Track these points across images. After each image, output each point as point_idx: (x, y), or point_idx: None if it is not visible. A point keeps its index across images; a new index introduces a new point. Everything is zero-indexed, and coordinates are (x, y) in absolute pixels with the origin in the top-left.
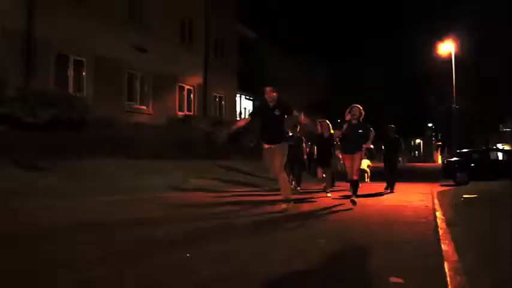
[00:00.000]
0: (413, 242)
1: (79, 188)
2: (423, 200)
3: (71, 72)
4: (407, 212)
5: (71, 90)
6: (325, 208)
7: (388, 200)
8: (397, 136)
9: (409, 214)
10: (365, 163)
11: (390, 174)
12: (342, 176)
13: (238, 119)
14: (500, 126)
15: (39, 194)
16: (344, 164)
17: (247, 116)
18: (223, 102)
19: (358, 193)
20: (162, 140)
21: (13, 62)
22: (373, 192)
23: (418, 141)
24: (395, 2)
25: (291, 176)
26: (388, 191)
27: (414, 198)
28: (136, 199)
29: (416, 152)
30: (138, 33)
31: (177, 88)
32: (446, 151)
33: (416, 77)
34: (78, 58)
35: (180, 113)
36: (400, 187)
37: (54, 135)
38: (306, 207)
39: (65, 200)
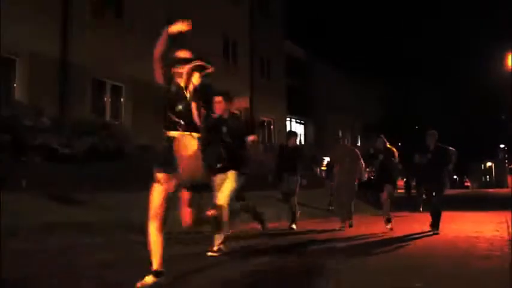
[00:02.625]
0: (488, 277)
1: (117, 222)
2: (497, 230)
3: (108, 99)
4: (479, 244)
5: (108, 117)
6: (383, 241)
7: (456, 230)
8: (441, 145)
9: (482, 246)
10: None
11: (433, 203)
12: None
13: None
14: None
15: (75, 229)
16: None
17: None
18: (272, 127)
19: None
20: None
21: (47, 90)
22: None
23: (489, 164)
24: (460, 13)
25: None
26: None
27: (486, 228)
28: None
29: (488, 176)
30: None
31: None
32: None
33: (484, 93)
34: (116, 83)
35: None
36: (470, 216)
37: (91, 166)
38: (365, 241)
39: (100, 236)
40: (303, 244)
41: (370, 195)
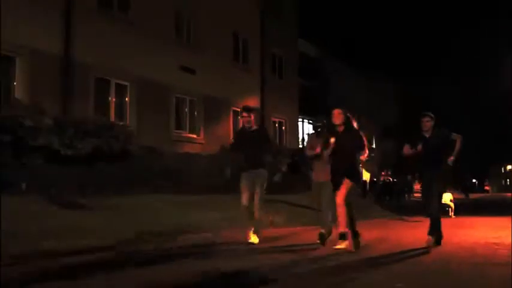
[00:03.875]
0: (508, 285)
1: (120, 227)
2: None
3: (112, 98)
4: (499, 250)
5: (112, 117)
6: (399, 247)
7: (476, 236)
8: (445, 131)
9: (502, 252)
10: (448, 197)
11: (433, 208)
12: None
13: (300, 146)
14: None
15: (77, 235)
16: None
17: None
18: (283, 128)
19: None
20: (215, 172)
21: (49, 88)
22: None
23: (509, 167)
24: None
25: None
26: (432, 242)
27: (506, 233)
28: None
29: (508, 180)
30: (186, 53)
31: (231, 113)
32: None
33: (502, 94)
34: (121, 82)
35: None
36: (489, 221)
37: (94, 168)
38: (379, 247)
39: (103, 241)
40: (317, 254)
41: (390, 200)
